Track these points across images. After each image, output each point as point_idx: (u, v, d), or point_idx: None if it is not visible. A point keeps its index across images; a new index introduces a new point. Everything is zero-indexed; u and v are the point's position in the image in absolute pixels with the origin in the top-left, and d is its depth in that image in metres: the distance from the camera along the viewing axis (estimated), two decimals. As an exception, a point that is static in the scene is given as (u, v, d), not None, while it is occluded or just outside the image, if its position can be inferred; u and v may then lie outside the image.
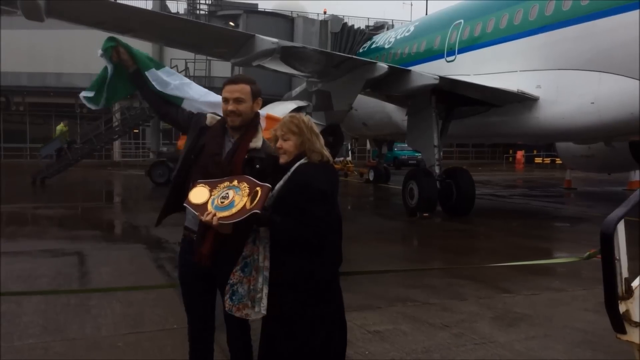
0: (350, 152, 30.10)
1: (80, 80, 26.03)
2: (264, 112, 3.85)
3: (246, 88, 3.03)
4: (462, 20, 14.34)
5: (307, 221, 2.75)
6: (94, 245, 9.13)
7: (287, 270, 2.78)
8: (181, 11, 32.49)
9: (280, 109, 12.92)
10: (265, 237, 2.83)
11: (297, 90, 17.50)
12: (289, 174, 2.86)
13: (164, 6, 30.88)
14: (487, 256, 8.51)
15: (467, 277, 6.80)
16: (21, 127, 37.69)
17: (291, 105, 13.34)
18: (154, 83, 3.50)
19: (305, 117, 2.97)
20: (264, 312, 2.77)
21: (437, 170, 12.50)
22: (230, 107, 3.01)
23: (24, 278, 6.70)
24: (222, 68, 28.12)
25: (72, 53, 27.85)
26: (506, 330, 4.97)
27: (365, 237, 9.89)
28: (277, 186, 2.86)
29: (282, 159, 2.92)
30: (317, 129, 2.97)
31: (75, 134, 24.29)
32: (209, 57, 24.46)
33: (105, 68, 3.62)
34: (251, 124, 3.09)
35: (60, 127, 26.24)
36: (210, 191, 2.84)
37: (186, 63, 26.40)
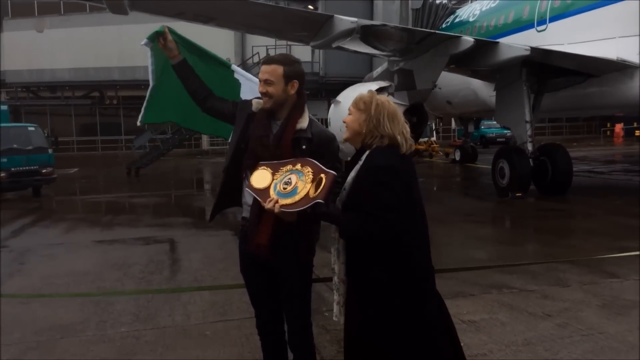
0: (434, 132, 29.32)
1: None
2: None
3: (278, 70, 2.86)
4: (553, -13, 13.43)
5: (376, 210, 2.46)
6: (185, 232, 9.35)
7: (368, 283, 2.56)
8: (260, -2, 32.77)
9: (362, 91, 12.62)
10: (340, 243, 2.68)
11: (378, 70, 17.12)
12: (360, 163, 2.62)
13: (243, -6, 31.20)
14: (588, 237, 7.93)
15: (569, 261, 6.33)
16: (115, 119, 39.61)
17: (373, 86, 13.00)
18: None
19: (384, 98, 2.69)
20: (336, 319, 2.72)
21: (529, 147, 11.86)
22: (260, 88, 2.90)
23: (118, 266, 6.92)
24: (302, 53, 28.14)
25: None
26: (616, 320, 4.55)
27: (454, 219, 9.53)
28: (349, 178, 2.62)
29: (344, 135, 2.74)
30: (400, 115, 2.65)
31: (165, 125, 25.12)
32: (289, 42, 24.49)
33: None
34: (296, 105, 2.93)
35: None
36: (273, 174, 2.71)
37: (267, 49, 26.60)
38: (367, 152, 2.63)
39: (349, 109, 2.72)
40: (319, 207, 2.51)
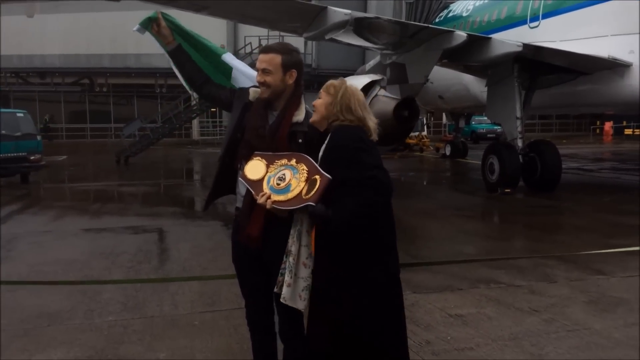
0: (425, 127, 29.39)
1: (158, 60, 26.76)
2: None
3: (276, 59, 2.82)
4: (546, -17, 13.44)
5: (360, 173, 2.49)
6: (174, 222, 9.31)
7: (368, 283, 2.59)
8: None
9: (354, 83, 12.60)
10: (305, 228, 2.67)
11: (370, 63, 17.08)
12: (326, 141, 2.69)
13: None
14: (576, 234, 7.98)
15: (556, 257, 6.39)
16: (105, 107, 39.31)
17: (365, 79, 13.00)
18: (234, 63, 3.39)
19: (353, 88, 2.76)
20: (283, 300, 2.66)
21: (519, 143, 11.91)
22: (258, 77, 2.85)
23: (106, 255, 6.88)
24: (295, 44, 27.94)
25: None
26: (602, 316, 4.59)
27: (443, 214, 9.57)
28: (319, 156, 2.68)
29: (312, 118, 2.78)
30: (366, 104, 2.76)
31: (155, 114, 25.05)
32: (282, 33, 24.43)
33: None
34: (293, 97, 2.89)
35: None
36: (267, 166, 2.69)
37: (259, 40, 26.48)
38: (331, 131, 2.69)
39: (319, 93, 2.76)
40: (308, 208, 2.52)
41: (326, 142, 2.68)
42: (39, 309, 4.88)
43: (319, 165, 2.60)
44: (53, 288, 5.58)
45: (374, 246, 2.59)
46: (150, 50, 30.88)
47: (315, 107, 2.75)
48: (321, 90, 2.77)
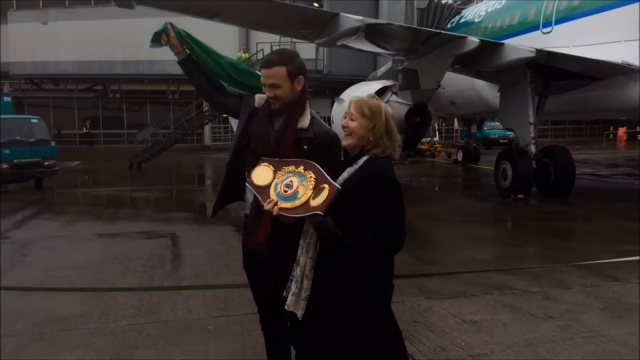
0: (437, 132, 29.31)
1: (171, 67, 26.90)
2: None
3: (281, 71, 2.77)
4: (559, -11, 13.39)
5: (381, 221, 2.44)
6: (186, 227, 9.35)
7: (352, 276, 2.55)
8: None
9: (365, 90, 12.63)
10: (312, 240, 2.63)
11: (382, 69, 17.10)
12: (356, 167, 2.55)
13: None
14: (590, 240, 7.91)
15: (571, 264, 6.33)
16: (118, 113, 39.63)
17: (377, 85, 13.01)
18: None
19: (389, 109, 2.63)
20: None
21: (532, 149, 11.85)
22: (268, 93, 2.83)
23: (120, 260, 6.93)
24: (306, 50, 28.10)
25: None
26: (617, 323, 4.55)
27: (455, 220, 9.53)
28: (341, 179, 2.55)
29: (346, 141, 2.61)
30: (394, 126, 2.63)
31: (168, 120, 25.23)
32: (293, 40, 24.50)
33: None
34: (297, 103, 2.85)
35: None
36: (274, 172, 2.67)
37: (271, 46, 26.56)
38: (364, 158, 2.57)
39: (351, 114, 2.61)
40: (316, 217, 2.47)
41: (357, 166, 2.55)
42: (54, 313, 4.92)
43: (347, 191, 2.51)
44: (67, 292, 5.62)
45: (374, 255, 2.58)
46: (162, 56, 30.93)
47: (351, 130, 2.58)
48: (352, 111, 2.59)
